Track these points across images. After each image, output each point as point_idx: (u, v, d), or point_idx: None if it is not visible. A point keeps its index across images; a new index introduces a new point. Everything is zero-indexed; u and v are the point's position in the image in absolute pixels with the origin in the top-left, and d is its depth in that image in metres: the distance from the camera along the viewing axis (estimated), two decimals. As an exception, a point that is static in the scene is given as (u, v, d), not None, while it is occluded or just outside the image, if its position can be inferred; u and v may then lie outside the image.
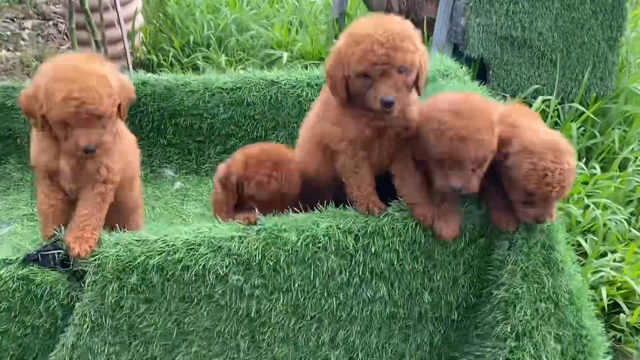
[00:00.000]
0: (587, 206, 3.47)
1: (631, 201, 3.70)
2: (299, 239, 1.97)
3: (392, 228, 2.01)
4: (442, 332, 2.19)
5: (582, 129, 4.21)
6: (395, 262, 2.04)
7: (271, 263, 1.96)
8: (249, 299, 2.00)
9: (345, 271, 2.02)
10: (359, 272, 2.03)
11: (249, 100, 2.96)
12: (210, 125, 3.00)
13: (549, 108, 4.02)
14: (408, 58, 1.88)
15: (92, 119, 1.87)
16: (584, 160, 3.92)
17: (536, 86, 4.15)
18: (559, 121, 4.17)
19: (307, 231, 1.98)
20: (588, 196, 3.58)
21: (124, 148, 2.14)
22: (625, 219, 3.48)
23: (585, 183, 3.63)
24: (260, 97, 2.96)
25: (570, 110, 4.17)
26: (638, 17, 5.28)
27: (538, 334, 2.06)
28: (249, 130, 3.00)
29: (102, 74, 1.89)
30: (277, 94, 2.96)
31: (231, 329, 2.04)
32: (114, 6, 4.20)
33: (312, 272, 2.00)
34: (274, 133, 3.02)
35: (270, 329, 2.06)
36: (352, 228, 2.00)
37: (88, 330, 1.94)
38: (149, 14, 5.18)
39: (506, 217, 2.03)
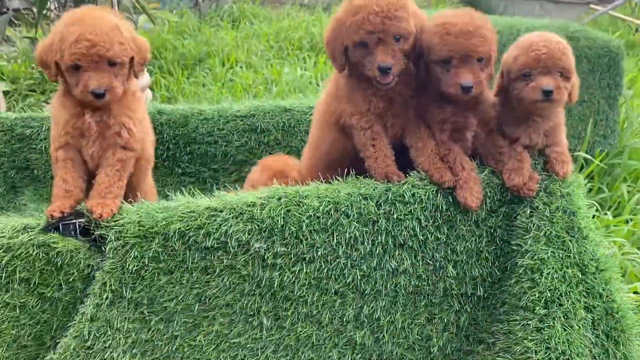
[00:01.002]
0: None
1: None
2: (321, 204, 1.96)
3: (413, 194, 2.01)
4: (468, 310, 2.13)
5: (590, 184, 4.26)
6: (418, 231, 2.02)
7: (293, 229, 1.95)
8: (272, 269, 1.97)
9: (368, 240, 2.00)
10: (381, 240, 2.01)
11: (262, 126, 3.03)
12: (225, 153, 3.04)
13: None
14: (403, 26, 1.99)
15: (103, 62, 1.95)
16: (594, 208, 3.93)
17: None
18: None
19: (329, 197, 1.98)
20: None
21: (144, 123, 2.19)
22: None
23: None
24: (273, 124, 3.03)
25: (577, 162, 4.23)
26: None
27: (567, 301, 2.00)
28: (262, 157, 3.03)
29: (114, 22, 1.99)
30: (290, 121, 3.03)
31: (254, 304, 1.99)
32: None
33: (334, 240, 1.98)
34: (287, 159, 3.05)
35: (294, 304, 2.01)
36: (373, 194, 2.00)
37: (108, 301, 1.90)
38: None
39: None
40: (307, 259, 1.98)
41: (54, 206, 1.96)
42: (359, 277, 2.02)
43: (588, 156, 4.18)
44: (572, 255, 2.03)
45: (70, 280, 1.90)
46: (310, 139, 2.40)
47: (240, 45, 7.13)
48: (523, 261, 2.03)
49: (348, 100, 2.14)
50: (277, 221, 1.94)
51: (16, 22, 6.68)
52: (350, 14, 2.02)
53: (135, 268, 1.90)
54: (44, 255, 1.88)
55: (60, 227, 1.92)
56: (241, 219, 1.92)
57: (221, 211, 1.93)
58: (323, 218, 1.96)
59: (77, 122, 2.06)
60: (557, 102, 2.02)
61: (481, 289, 2.12)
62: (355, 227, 1.98)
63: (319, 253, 1.98)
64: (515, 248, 2.07)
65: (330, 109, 2.21)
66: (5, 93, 5.17)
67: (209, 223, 1.91)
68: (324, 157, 2.27)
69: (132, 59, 2.05)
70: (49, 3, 5.74)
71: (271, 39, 7.53)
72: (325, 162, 2.25)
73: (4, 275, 1.87)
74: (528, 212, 2.04)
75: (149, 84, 5.52)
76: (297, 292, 2.00)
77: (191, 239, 1.91)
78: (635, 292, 3.20)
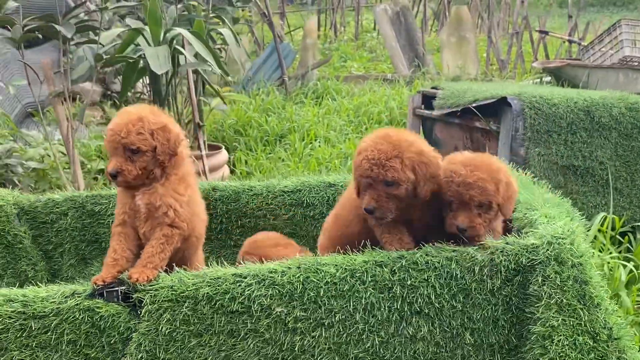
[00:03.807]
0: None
1: None
2: (337, 271, 2.11)
3: (427, 262, 2.13)
4: (486, 377, 2.19)
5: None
6: (434, 298, 2.12)
7: (312, 294, 2.09)
8: (293, 333, 2.11)
9: (385, 306, 2.12)
10: (397, 307, 2.12)
11: (308, 201, 3.21)
12: (274, 226, 3.22)
13: (613, 231, 4.05)
14: (390, 175, 2.17)
15: (120, 148, 2.25)
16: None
17: (603, 214, 4.14)
18: (630, 247, 4.16)
19: (345, 265, 2.12)
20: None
21: (194, 203, 2.45)
22: None
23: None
24: (318, 199, 3.21)
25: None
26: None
27: (579, 369, 2.04)
28: (308, 229, 3.21)
29: (141, 115, 2.26)
30: (334, 195, 3.19)
31: (276, 368, 2.13)
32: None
33: (351, 305, 2.11)
34: (332, 232, 3.21)
35: (315, 369, 2.14)
36: (387, 261, 2.13)
37: (142, 361, 2.09)
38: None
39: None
40: (326, 323, 2.11)
41: (99, 275, 2.19)
42: (377, 343, 2.13)
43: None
44: (583, 323, 2.07)
45: (112, 342, 2.10)
46: (335, 209, 2.63)
47: (321, 120, 7.42)
48: (535, 328, 2.09)
49: None
50: (297, 287, 2.09)
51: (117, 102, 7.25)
52: (356, 152, 2.27)
53: (168, 330, 2.08)
54: (89, 318, 2.09)
55: (105, 293, 2.14)
56: (263, 284, 2.09)
57: (245, 277, 2.10)
58: (340, 284, 2.10)
59: (131, 204, 2.35)
60: (474, 237, 2.23)
61: (498, 356, 2.17)
62: (371, 293, 2.11)
63: (337, 318, 2.11)
64: (529, 316, 2.13)
65: (353, 202, 2.42)
66: (101, 170, 5.58)
67: (234, 288, 2.09)
68: (347, 231, 2.47)
69: (155, 148, 2.30)
70: (134, 86, 6.22)
71: (351, 114, 7.79)
72: (346, 234, 2.45)
73: (53, 337, 2.09)
74: (540, 280, 2.10)
75: (226, 161, 5.86)
76: (317, 357, 2.12)
77: (218, 303, 2.08)
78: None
